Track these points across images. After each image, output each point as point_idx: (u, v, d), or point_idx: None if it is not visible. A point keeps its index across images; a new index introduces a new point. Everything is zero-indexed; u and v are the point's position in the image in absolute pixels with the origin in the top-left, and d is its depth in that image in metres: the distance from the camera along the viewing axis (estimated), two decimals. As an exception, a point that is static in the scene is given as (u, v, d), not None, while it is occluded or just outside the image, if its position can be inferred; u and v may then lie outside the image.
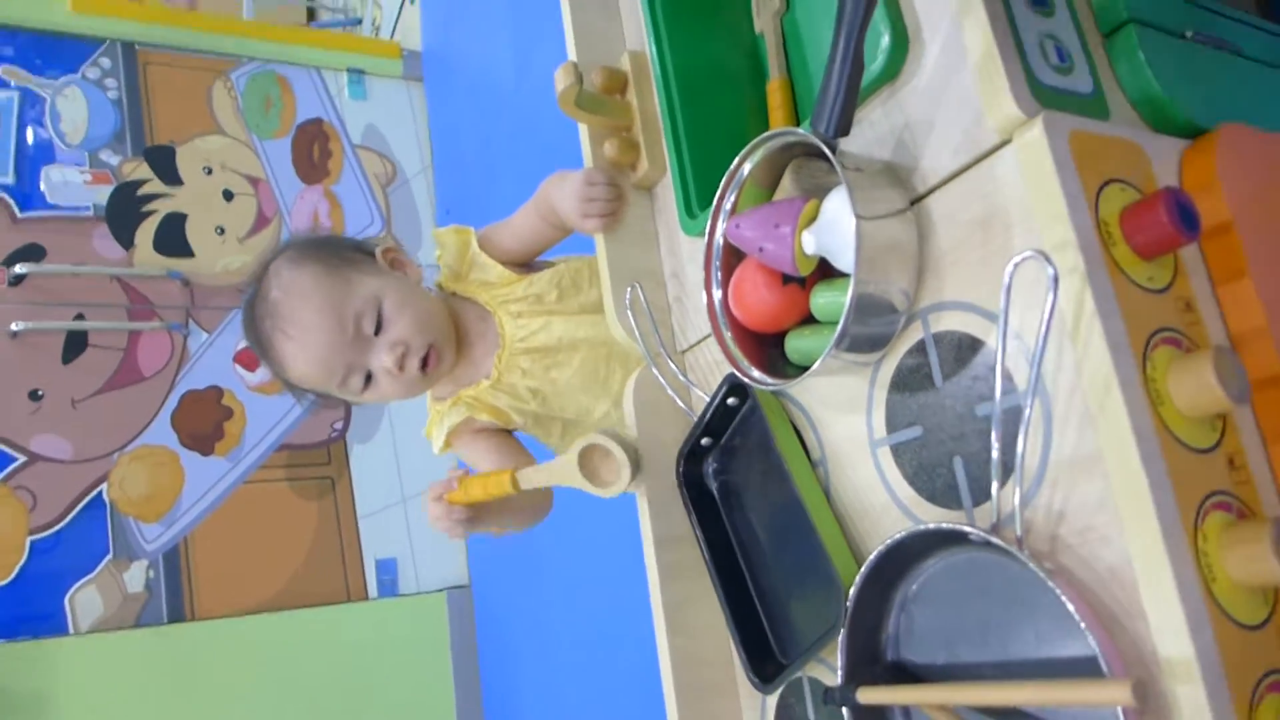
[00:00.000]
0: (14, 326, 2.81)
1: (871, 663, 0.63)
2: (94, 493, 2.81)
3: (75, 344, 2.95)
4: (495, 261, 1.05)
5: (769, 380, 0.66)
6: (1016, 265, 0.50)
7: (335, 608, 3.02)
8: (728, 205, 0.67)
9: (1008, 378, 0.54)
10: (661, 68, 0.88)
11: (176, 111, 3.52)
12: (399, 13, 4.58)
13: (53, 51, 3.40)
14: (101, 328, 2.99)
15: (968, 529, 0.53)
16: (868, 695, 0.59)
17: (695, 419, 0.79)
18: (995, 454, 0.52)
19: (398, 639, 3.07)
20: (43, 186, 3.15)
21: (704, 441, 0.79)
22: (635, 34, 0.99)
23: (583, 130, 0.96)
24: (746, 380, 0.67)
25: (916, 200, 0.62)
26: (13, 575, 2.63)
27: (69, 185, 3.22)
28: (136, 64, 3.52)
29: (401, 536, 3.24)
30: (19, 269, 2.88)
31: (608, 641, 2.44)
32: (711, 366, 0.85)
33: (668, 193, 0.94)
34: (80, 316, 2.99)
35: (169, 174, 3.40)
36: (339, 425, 3.28)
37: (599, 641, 2.50)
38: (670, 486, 0.84)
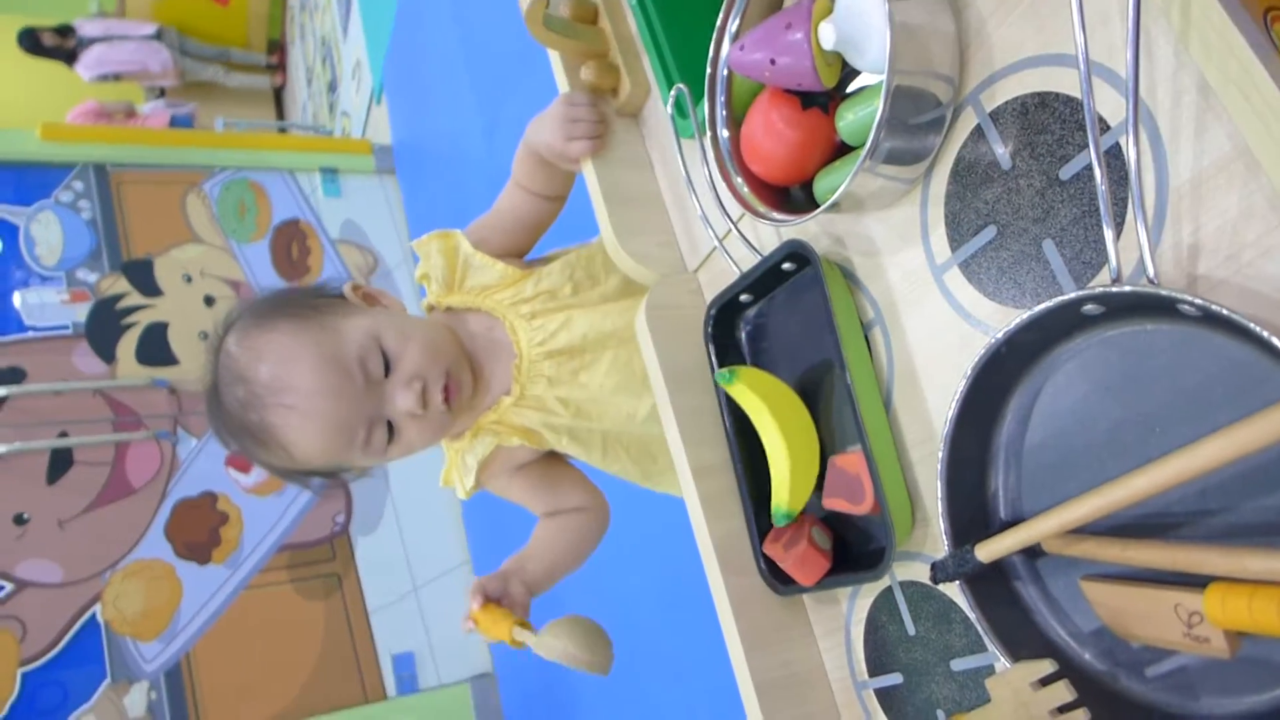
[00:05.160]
0: (-4, 449, 2.71)
1: (981, 527, 0.52)
2: (87, 615, 2.64)
3: (60, 463, 2.84)
4: (494, 259, 0.92)
5: (791, 217, 0.57)
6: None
7: (353, 711, 2.82)
8: (732, 27, 0.59)
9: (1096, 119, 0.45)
10: (633, -12, 0.81)
11: (152, 225, 3.50)
12: (367, 113, 4.64)
13: (24, 180, 3.40)
14: (87, 443, 2.88)
15: (1080, 294, 0.43)
16: (992, 547, 0.47)
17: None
18: (1103, 187, 0.42)
19: (423, 738, 2.86)
20: (19, 309, 3.09)
21: (743, 298, 0.68)
22: (600, -35, 0.93)
23: (554, 59, 0.89)
24: (766, 221, 0.58)
25: (944, -25, 0.54)
26: (4, 711, 2.44)
27: (46, 306, 3.16)
28: (109, 184, 3.51)
29: (417, 628, 3.05)
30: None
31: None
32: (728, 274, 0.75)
33: (656, 113, 0.86)
34: (64, 434, 2.89)
35: (148, 286, 3.36)
36: (340, 518, 3.14)
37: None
38: (703, 409, 0.73)
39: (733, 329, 0.74)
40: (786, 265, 0.66)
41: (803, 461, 0.63)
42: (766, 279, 0.67)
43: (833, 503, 0.61)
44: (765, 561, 0.67)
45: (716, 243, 0.70)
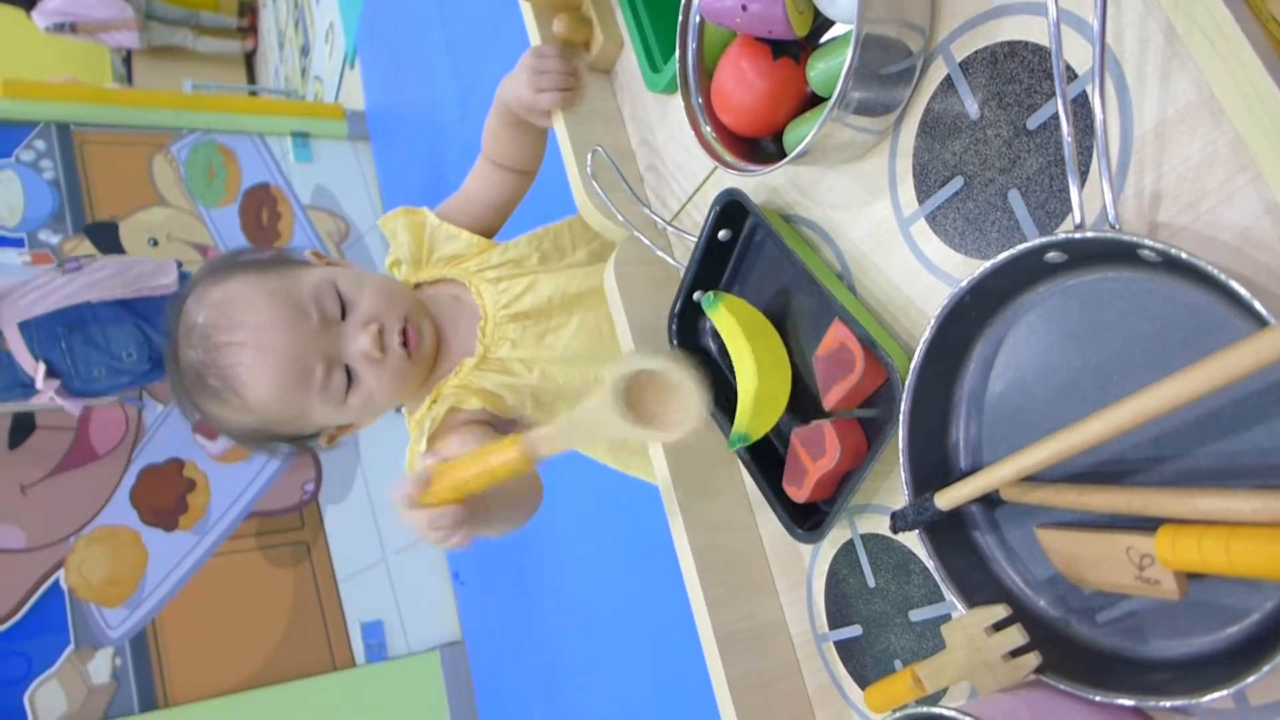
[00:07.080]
0: (-47, 412, 2.65)
1: (941, 477, 0.52)
2: (50, 581, 2.61)
3: (22, 427, 2.79)
4: (460, 230, 0.91)
5: (760, 167, 0.56)
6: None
7: (321, 678, 2.81)
8: (702, -31, 0.58)
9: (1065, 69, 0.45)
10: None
11: (117, 187, 3.43)
12: (340, 78, 4.55)
13: (-16, 138, 3.30)
14: (49, 407, 2.83)
15: (1042, 241, 0.43)
16: (951, 495, 0.48)
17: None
18: (1068, 137, 0.42)
19: (391, 705, 2.86)
20: (-22, 271, 3.01)
21: (696, 296, 0.68)
22: (574, -83, 0.91)
23: (526, 12, 0.87)
24: (734, 171, 0.57)
25: (917, -77, 0.53)
26: (-36, 677, 2.42)
27: (6, 267, 3.09)
28: (72, 143, 3.43)
29: (386, 597, 3.04)
30: (-45, 352, 2.73)
31: (618, 685, 2.27)
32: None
33: (629, 68, 0.85)
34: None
35: (112, 249, 3.29)
36: (310, 487, 3.12)
37: (609, 687, 2.33)
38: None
39: (696, 330, 0.73)
40: (723, 234, 0.65)
41: (770, 388, 0.62)
42: (711, 262, 0.67)
43: (832, 395, 0.57)
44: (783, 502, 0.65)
45: (665, 224, 0.70)
